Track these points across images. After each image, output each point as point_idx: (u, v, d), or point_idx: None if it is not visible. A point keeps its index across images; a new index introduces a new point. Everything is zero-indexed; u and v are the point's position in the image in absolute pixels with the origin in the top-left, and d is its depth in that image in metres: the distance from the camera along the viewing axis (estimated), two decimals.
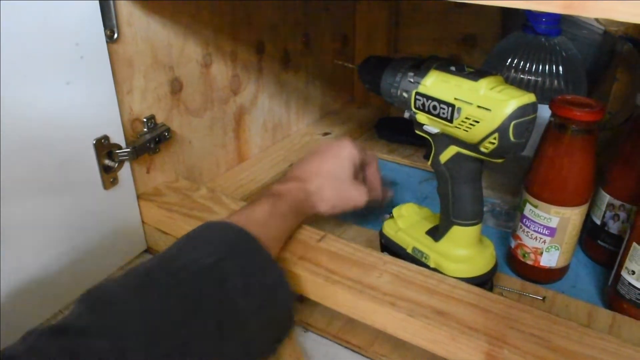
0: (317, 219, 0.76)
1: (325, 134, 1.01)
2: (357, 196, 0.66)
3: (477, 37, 1.02)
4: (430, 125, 0.55)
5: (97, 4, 0.57)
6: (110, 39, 0.60)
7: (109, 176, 0.63)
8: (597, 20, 0.77)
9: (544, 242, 0.63)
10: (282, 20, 0.89)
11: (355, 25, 1.12)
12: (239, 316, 0.45)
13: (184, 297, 0.43)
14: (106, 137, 0.62)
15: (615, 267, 0.60)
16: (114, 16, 0.60)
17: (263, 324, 0.48)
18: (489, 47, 0.76)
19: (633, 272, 0.57)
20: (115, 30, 0.61)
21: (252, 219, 0.54)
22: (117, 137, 0.64)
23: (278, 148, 0.95)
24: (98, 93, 0.60)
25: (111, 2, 0.59)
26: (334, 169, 0.65)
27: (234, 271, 0.47)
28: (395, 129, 1.02)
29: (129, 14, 0.62)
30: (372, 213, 0.77)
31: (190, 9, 0.70)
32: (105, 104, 0.61)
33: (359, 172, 0.69)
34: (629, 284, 0.58)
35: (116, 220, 0.67)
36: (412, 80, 0.55)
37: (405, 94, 0.56)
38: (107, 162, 0.63)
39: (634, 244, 0.56)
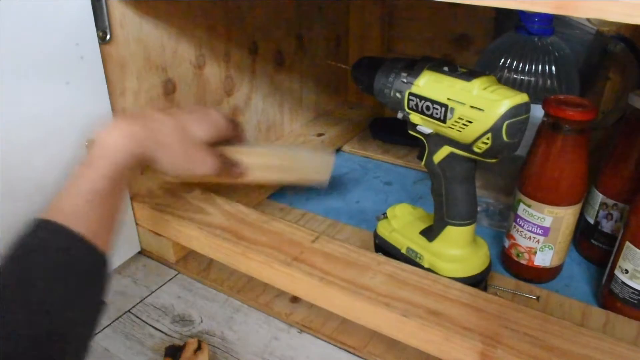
0: (310, 220, 0.76)
1: (319, 134, 1.01)
2: (207, 164, 0.59)
3: (470, 38, 1.02)
4: (424, 125, 0.55)
5: (89, 5, 0.57)
6: (102, 41, 0.60)
7: None
8: (588, 20, 0.77)
9: (538, 241, 0.63)
10: (275, 21, 0.89)
11: (348, 25, 1.12)
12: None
13: None
14: None
15: (609, 266, 0.61)
16: (106, 17, 0.60)
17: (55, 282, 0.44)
18: (482, 47, 0.77)
19: (626, 271, 0.57)
20: (108, 31, 0.60)
21: (65, 214, 0.47)
22: None
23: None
24: (91, 95, 0.60)
25: (103, 3, 0.59)
26: (189, 125, 0.58)
27: (33, 266, 0.44)
28: (389, 129, 1.02)
29: (122, 15, 0.62)
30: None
31: (183, 10, 0.70)
32: (97, 105, 0.61)
33: (221, 144, 0.63)
34: (623, 282, 0.58)
35: None
36: (405, 80, 0.55)
37: (398, 95, 0.56)
38: None
39: (627, 243, 0.57)
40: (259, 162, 0.69)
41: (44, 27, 0.53)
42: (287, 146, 0.81)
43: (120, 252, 0.70)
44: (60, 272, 0.45)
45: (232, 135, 0.64)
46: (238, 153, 0.66)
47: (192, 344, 0.59)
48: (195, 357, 0.57)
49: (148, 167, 0.56)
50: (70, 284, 0.45)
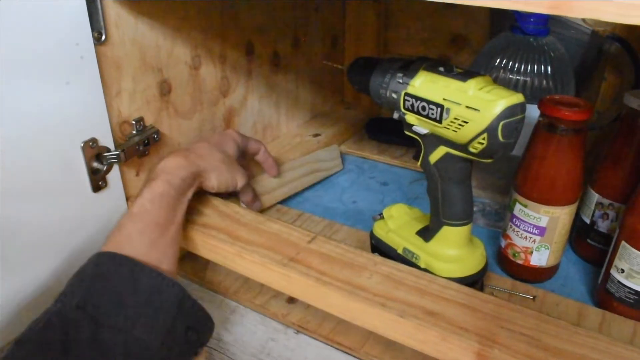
0: (306, 220, 0.76)
1: (316, 134, 1.01)
2: (239, 175, 0.68)
3: (466, 38, 1.02)
4: (420, 125, 0.55)
5: (84, 5, 0.57)
6: (97, 41, 0.60)
7: (97, 179, 0.63)
8: (583, 20, 0.77)
9: (534, 241, 0.63)
10: (271, 21, 0.89)
11: (344, 26, 1.12)
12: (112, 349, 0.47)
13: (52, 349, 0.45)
14: (94, 140, 0.61)
15: (605, 266, 0.61)
16: (101, 18, 0.60)
17: (146, 332, 0.48)
18: (478, 47, 0.77)
19: (622, 271, 0.57)
20: (103, 32, 0.60)
21: (133, 215, 0.55)
22: (106, 140, 0.63)
23: (268, 149, 0.95)
24: (86, 96, 0.60)
25: (98, 3, 0.59)
26: (220, 144, 0.69)
27: (101, 299, 0.48)
28: (385, 129, 1.02)
29: (117, 16, 0.62)
30: None
31: (178, 10, 0.70)
32: (93, 106, 0.61)
33: (242, 157, 0.74)
34: (619, 282, 0.58)
35: (106, 223, 0.66)
36: (401, 81, 0.55)
37: (394, 95, 0.56)
38: (95, 165, 0.62)
39: (623, 242, 0.57)
40: (275, 185, 0.81)
41: (38, 28, 0.53)
42: (296, 160, 0.88)
43: None
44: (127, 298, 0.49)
45: (250, 148, 0.76)
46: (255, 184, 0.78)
47: None
48: None
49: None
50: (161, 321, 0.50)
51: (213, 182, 0.64)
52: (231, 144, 0.70)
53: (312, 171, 0.89)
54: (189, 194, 0.61)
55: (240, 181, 0.68)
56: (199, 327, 0.53)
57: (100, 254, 0.51)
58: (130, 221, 0.55)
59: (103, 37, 0.60)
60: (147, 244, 0.54)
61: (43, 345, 0.45)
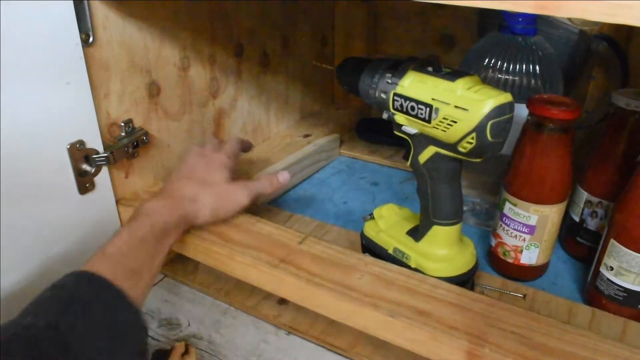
0: (297, 221, 0.76)
1: (306, 135, 1.01)
2: (238, 195, 0.63)
3: (455, 38, 1.02)
4: (409, 125, 0.55)
5: (71, 6, 0.57)
6: (85, 43, 0.59)
7: (84, 181, 0.62)
8: (570, 20, 0.78)
9: (524, 240, 0.63)
10: (260, 22, 0.89)
11: (334, 26, 1.12)
12: None
13: None
14: (81, 142, 0.61)
15: (594, 264, 0.61)
16: (89, 19, 0.59)
17: None
18: (467, 47, 0.77)
19: (611, 268, 0.58)
20: (91, 33, 0.60)
21: (107, 255, 0.50)
22: (94, 142, 0.63)
23: (258, 151, 0.95)
24: (74, 98, 0.59)
25: (86, 5, 0.58)
26: (205, 175, 0.63)
27: (76, 323, 0.43)
28: (375, 129, 1.02)
29: (105, 17, 0.61)
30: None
31: (166, 12, 0.70)
32: (81, 108, 0.61)
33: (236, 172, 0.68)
34: (608, 279, 0.59)
35: (94, 226, 0.66)
36: (389, 81, 0.55)
37: (383, 95, 0.56)
38: (84, 167, 0.62)
39: (612, 240, 0.57)
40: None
41: (25, 30, 0.53)
42: (299, 151, 0.92)
43: None
44: (103, 329, 0.45)
45: (242, 147, 0.71)
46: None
47: (180, 348, 0.58)
48: None
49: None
50: (112, 341, 0.46)
51: (207, 217, 0.61)
52: (219, 170, 0.64)
53: (315, 162, 0.93)
54: (173, 239, 0.57)
55: (243, 199, 0.63)
56: None
57: (83, 272, 0.47)
58: (104, 262, 0.49)
59: (91, 39, 0.60)
60: None
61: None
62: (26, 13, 0.52)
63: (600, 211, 0.66)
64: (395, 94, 0.55)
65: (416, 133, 0.55)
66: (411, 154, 0.58)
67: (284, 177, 0.69)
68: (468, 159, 0.53)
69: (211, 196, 0.61)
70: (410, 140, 0.57)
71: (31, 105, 0.55)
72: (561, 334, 0.48)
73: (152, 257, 0.53)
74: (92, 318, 0.44)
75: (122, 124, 0.67)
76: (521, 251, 0.64)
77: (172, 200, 0.58)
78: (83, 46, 0.59)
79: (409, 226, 0.63)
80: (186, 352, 0.58)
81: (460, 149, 0.51)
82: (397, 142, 0.60)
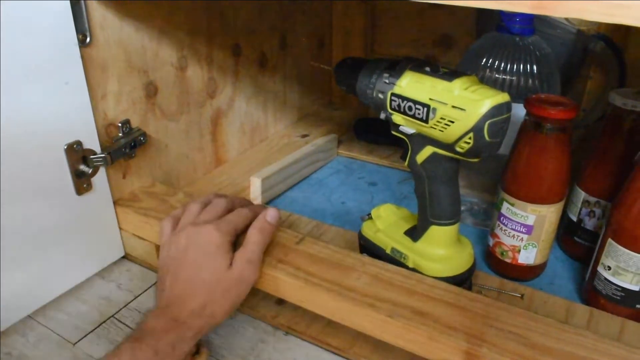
0: (295, 221, 0.76)
1: (304, 135, 1.01)
2: (247, 276, 0.55)
3: (452, 38, 1.02)
4: (406, 125, 0.55)
5: (68, 7, 0.56)
6: (82, 43, 0.59)
7: (82, 182, 0.62)
8: (567, 19, 0.78)
9: (522, 239, 0.63)
10: (258, 22, 0.89)
11: (332, 26, 1.12)
12: None
13: None
14: (79, 143, 0.61)
15: (592, 263, 0.61)
16: (86, 20, 0.59)
17: None
18: (465, 47, 0.77)
19: (609, 268, 0.58)
20: (88, 34, 0.60)
21: None
22: (92, 142, 0.63)
23: (256, 151, 0.95)
24: (71, 98, 0.59)
25: (83, 5, 0.58)
26: (208, 276, 0.53)
27: None
28: (373, 130, 1.03)
29: (102, 17, 0.61)
30: None
31: (164, 12, 0.70)
32: (78, 109, 0.61)
33: (238, 239, 0.58)
34: (605, 279, 0.59)
35: (92, 226, 0.66)
36: (387, 81, 0.55)
37: (380, 95, 0.56)
38: (81, 167, 0.62)
39: (610, 240, 0.57)
40: (279, 179, 0.84)
41: (21, 30, 0.53)
42: (297, 151, 0.92)
43: (103, 257, 0.70)
44: None
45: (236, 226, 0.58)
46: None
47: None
48: None
49: None
50: None
51: (224, 317, 0.54)
52: (214, 257, 0.54)
53: (312, 162, 0.93)
54: (185, 351, 0.50)
55: (252, 277, 0.55)
56: None
57: None
58: None
59: (88, 39, 0.60)
60: None
61: None
62: (23, 13, 0.52)
63: (597, 211, 0.66)
64: (392, 94, 0.55)
65: (414, 133, 0.55)
66: (409, 154, 0.58)
67: (272, 216, 0.59)
68: (466, 159, 0.53)
69: (221, 298, 0.53)
70: (407, 140, 0.57)
71: (28, 105, 0.55)
72: (559, 334, 0.48)
73: None
74: None
75: (120, 125, 0.67)
76: (519, 251, 0.64)
77: (177, 322, 0.51)
78: (80, 46, 0.59)
79: (407, 226, 0.63)
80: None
81: (458, 149, 0.51)
82: (394, 142, 0.60)
